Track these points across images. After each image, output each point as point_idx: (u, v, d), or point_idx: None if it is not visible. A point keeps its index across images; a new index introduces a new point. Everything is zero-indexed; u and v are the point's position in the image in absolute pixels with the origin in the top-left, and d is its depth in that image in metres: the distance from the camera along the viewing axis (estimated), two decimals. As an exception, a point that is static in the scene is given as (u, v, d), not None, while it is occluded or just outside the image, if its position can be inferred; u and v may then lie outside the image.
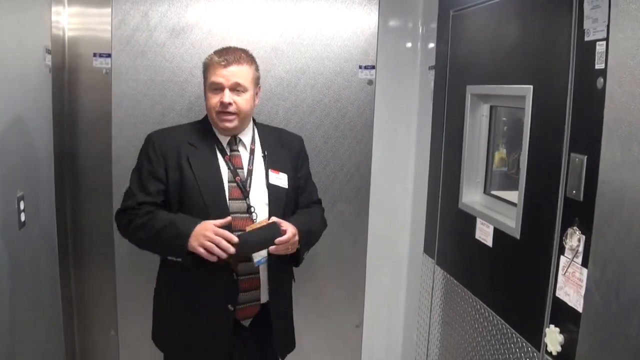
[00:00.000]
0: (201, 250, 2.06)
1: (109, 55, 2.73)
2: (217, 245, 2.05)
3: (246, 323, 2.27)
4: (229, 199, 2.18)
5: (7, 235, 2.03)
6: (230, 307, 2.18)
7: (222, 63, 2.14)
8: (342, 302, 3.08)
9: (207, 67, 2.20)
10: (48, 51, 2.41)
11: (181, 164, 2.18)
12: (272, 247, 2.11)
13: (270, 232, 2.11)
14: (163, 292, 2.35)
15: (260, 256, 2.18)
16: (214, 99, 2.16)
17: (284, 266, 2.33)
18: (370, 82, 2.89)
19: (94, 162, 2.94)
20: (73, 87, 2.87)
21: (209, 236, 2.05)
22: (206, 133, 2.27)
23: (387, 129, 3.25)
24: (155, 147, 2.21)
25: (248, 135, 2.30)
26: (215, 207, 2.15)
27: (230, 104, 2.14)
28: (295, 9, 2.82)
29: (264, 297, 2.27)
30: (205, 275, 2.17)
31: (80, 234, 3.03)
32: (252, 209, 2.20)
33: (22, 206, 2.13)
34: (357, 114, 2.91)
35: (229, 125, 2.18)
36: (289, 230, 2.13)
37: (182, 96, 2.74)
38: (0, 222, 1.97)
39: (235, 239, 2.06)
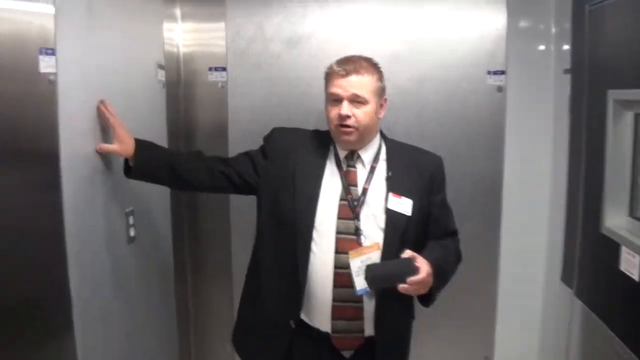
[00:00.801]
0: None
1: (224, 69, 2.69)
2: None
3: (347, 354, 2.05)
4: (338, 217, 2.00)
5: (116, 250, 2.04)
6: (292, 323, 2.02)
7: (341, 73, 1.98)
8: (469, 332, 2.82)
9: (328, 77, 2.05)
10: (161, 67, 2.41)
11: (287, 165, 2.06)
12: (401, 286, 1.87)
13: (403, 268, 1.87)
14: (243, 298, 2.25)
15: (364, 284, 1.94)
16: (333, 111, 2.00)
17: (399, 301, 2.05)
18: (499, 89, 2.64)
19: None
20: (189, 102, 2.85)
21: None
22: (325, 143, 2.12)
23: (520, 140, 2.98)
24: (271, 142, 2.15)
25: (370, 151, 2.10)
26: (302, 219, 2.00)
27: (348, 116, 1.97)
28: (416, 13, 2.63)
29: (369, 330, 2.04)
30: (274, 287, 2.05)
31: (197, 246, 3.01)
32: (361, 232, 2.00)
33: (131, 221, 2.13)
34: (485, 123, 2.66)
35: (347, 138, 2.01)
36: (423, 269, 1.87)
37: (299, 108, 2.63)
38: (107, 237, 1.98)
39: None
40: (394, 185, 2.04)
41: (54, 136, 1.66)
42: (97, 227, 1.92)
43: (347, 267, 1.92)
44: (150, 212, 2.37)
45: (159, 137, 2.46)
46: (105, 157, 1.98)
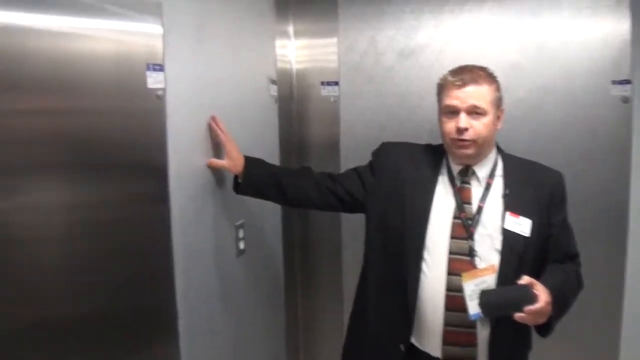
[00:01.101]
0: None
1: (336, 83, 2.67)
2: None
3: None
4: (451, 237, 1.88)
5: (224, 262, 2.07)
6: (402, 347, 1.91)
7: (457, 83, 1.87)
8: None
9: (442, 89, 1.95)
10: (273, 82, 2.42)
11: (396, 180, 1.98)
12: (518, 315, 1.73)
13: (520, 296, 1.73)
14: (352, 318, 2.17)
15: (478, 309, 1.81)
16: (449, 124, 1.89)
17: (515, 329, 1.88)
18: (625, 100, 2.42)
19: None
20: (301, 117, 2.87)
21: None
22: (438, 158, 2.01)
23: None
24: (380, 157, 2.08)
25: (486, 167, 1.96)
26: (412, 238, 1.90)
27: (466, 129, 1.85)
28: (534, 22, 2.49)
29: (482, 358, 1.90)
30: (384, 308, 1.96)
31: (308, 260, 3.00)
32: (475, 253, 1.87)
33: (241, 234, 2.15)
34: (610, 137, 2.46)
35: (465, 152, 1.89)
36: (542, 297, 1.72)
37: (411, 121, 2.57)
38: (216, 249, 2.01)
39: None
40: (512, 204, 1.90)
41: (162, 150, 1.70)
42: (205, 240, 1.95)
43: (460, 290, 1.81)
44: (261, 225, 2.38)
45: (272, 151, 2.49)
46: (216, 171, 2.01)
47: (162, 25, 1.67)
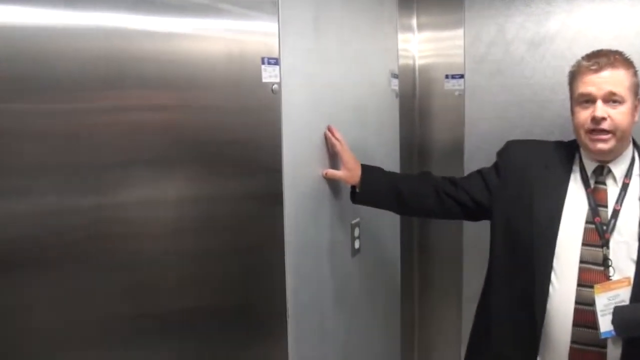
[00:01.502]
0: None
1: (461, 76, 2.54)
2: None
3: None
4: (583, 244, 1.69)
5: (338, 262, 2.02)
6: None
7: (593, 67, 1.69)
8: None
9: (574, 76, 1.78)
10: (394, 75, 2.34)
11: (523, 181, 1.81)
12: None
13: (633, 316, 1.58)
14: (473, 333, 2.02)
15: (611, 326, 1.63)
16: (583, 114, 1.71)
17: None
18: None
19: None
20: (424, 113, 2.75)
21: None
22: (569, 156, 1.83)
23: None
24: (505, 157, 1.92)
25: (623, 164, 1.75)
26: (541, 245, 1.72)
27: (604, 118, 1.66)
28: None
29: None
30: (507, 324, 1.79)
31: (427, 262, 2.90)
32: (610, 262, 1.67)
33: (356, 233, 2.09)
34: None
35: (602, 146, 1.69)
36: None
37: (542, 117, 2.39)
38: (330, 248, 1.97)
39: None
40: None
41: (277, 145, 1.67)
42: (318, 238, 1.90)
43: (591, 303, 1.64)
44: (378, 224, 2.31)
45: (392, 148, 2.43)
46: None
47: (278, 20, 1.63)
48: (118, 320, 1.27)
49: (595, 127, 1.68)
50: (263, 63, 1.61)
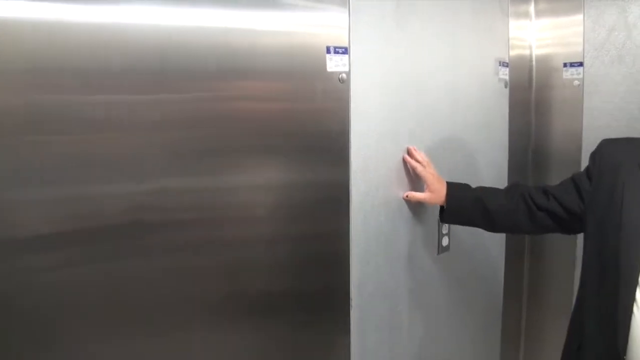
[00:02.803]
0: None
1: (580, 64, 2.32)
2: None
3: None
4: None
5: (418, 258, 1.96)
6: None
7: None
8: None
9: None
10: (503, 64, 2.20)
11: (615, 185, 1.57)
12: None
13: None
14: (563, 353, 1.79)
15: None
16: None
17: None
18: None
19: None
20: (541, 104, 2.55)
21: None
22: None
23: None
24: (597, 158, 1.67)
25: None
26: (626, 258, 1.48)
27: None
28: None
29: None
30: (594, 349, 1.56)
31: (539, 267, 2.69)
32: None
33: (445, 230, 2.02)
34: None
35: None
36: None
37: (668, 109, 2.11)
38: (407, 243, 1.91)
39: None
40: None
41: (344, 135, 1.66)
42: (393, 232, 1.85)
43: None
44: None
45: (500, 140, 2.30)
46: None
47: (348, 9, 1.62)
48: (192, 301, 1.39)
49: None
50: (328, 52, 1.61)
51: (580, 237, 2.29)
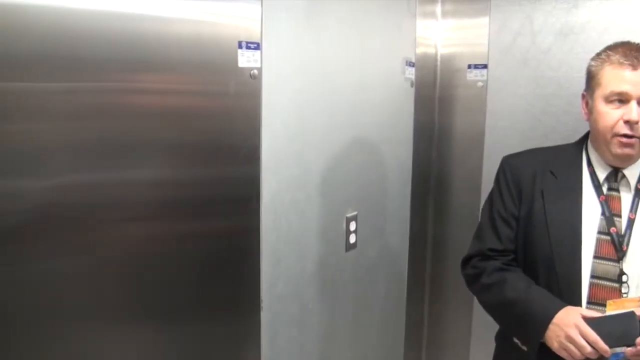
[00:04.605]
0: (557, 350, 1.49)
1: (484, 66, 2.39)
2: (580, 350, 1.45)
3: None
4: (594, 257, 1.55)
5: (326, 256, 1.95)
6: None
7: (628, 63, 1.53)
8: None
9: (600, 70, 1.60)
10: (410, 64, 2.23)
11: (534, 196, 1.65)
12: (629, 349, 1.43)
13: (628, 326, 1.43)
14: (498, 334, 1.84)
15: (618, 351, 1.48)
16: (612, 115, 1.54)
17: None
18: None
19: (462, 185, 2.63)
20: (445, 103, 2.61)
21: (572, 337, 1.44)
22: (576, 161, 1.67)
23: None
24: (508, 175, 1.71)
25: (636, 169, 1.60)
26: (565, 264, 1.56)
27: (638, 122, 1.51)
28: None
29: None
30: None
31: (441, 261, 2.77)
32: (625, 278, 1.53)
33: (352, 227, 2.01)
34: None
35: (630, 152, 1.54)
36: None
37: (569, 113, 2.21)
38: (315, 241, 1.90)
39: (604, 347, 1.41)
40: None
41: (255, 132, 1.62)
42: (302, 231, 1.84)
43: None
44: (383, 219, 2.23)
45: (405, 138, 2.33)
46: (321, 158, 1.89)
47: (261, 3, 1.58)
48: (87, 307, 1.29)
49: (628, 131, 1.52)
50: (240, 47, 1.57)
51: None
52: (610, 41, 2.03)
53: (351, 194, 2.02)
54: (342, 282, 2.04)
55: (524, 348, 1.59)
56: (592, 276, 1.54)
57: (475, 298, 2.42)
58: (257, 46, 1.59)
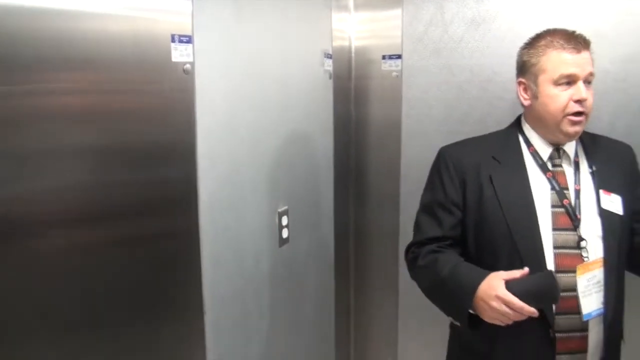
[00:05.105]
0: (490, 321, 1.55)
1: (399, 57, 2.44)
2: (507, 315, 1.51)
3: None
4: (553, 229, 1.64)
5: (263, 252, 1.93)
6: None
7: (571, 47, 1.63)
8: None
9: (542, 57, 1.68)
10: (328, 56, 2.24)
11: (481, 183, 1.71)
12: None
13: (550, 285, 1.48)
14: (457, 346, 1.89)
15: (592, 307, 1.61)
16: (562, 97, 1.64)
17: (620, 321, 1.74)
18: None
19: (381, 172, 2.67)
20: (361, 94, 2.64)
21: (497, 309, 1.50)
22: (514, 145, 1.77)
23: None
24: (449, 165, 1.77)
25: (572, 144, 1.74)
26: (526, 240, 1.64)
27: (587, 100, 1.63)
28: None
29: None
30: (510, 328, 1.62)
31: (364, 249, 2.80)
32: (584, 243, 1.64)
33: (284, 222, 2.00)
34: None
35: (579, 129, 1.66)
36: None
37: (481, 99, 2.30)
38: (252, 238, 1.87)
39: (532, 310, 1.47)
40: (601, 181, 1.71)
41: (190, 129, 1.56)
42: (239, 228, 1.80)
43: (571, 289, 1.61)
44: (310, 211, 2.24)
45: (326, 130, 2.34)
46: (255, 154, 1.85)
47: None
48: (21, 315, 1.20)
49: (579, 109, 1.63)
50: (173, 41, 1.50)
51: (404, 214, 2.45)
52: (519, 30, 2.16)
53: (282, 189, 2.01)
54: (278, 277, 2.02)
55: (457, 324, 1.66)
56: (555, 247, 1.64)
57: (400, 283, 2.50)
58: (189, 39, 1.54)
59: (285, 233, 2.02)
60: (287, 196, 2.03)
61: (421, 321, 2.46)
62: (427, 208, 1.80)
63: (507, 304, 1.48)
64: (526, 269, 1.52)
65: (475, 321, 1.60)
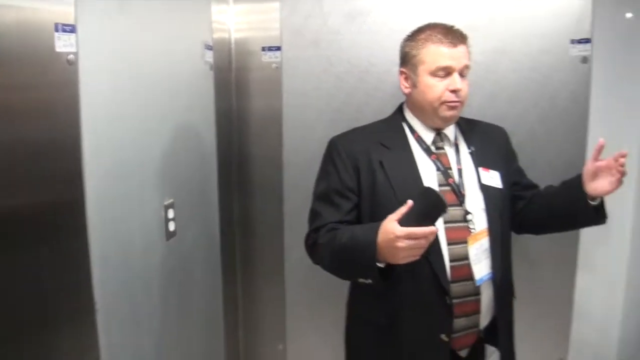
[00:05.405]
0: (405, 261, 1.61)
1: (278, 49, 2.47)
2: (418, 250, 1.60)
3: (464, 353, 1.86)
4: None
5: (152, 247, 1.91)
6: (444, 337, 1.77)
7: (448, 41, 1.77)
8: (543, 334, 2.49)
9: (422, 49, 1.81)
10: (208, 47, 2.23)
11: (373, 168, 1.83)
12: None
13: (434, 199, 1.55)
14: (357, 323, 1.99)
15: (482, 273, 1.79)
16: (438, 87, 1.78)
17: (509, 281, 1.96)
18: (584, 60, 2.26)
19: (264, 164, 2.73)
20: (241, 86, 2.66)
21: (403, 247, 1.56)
22: (400, 131, 1.90)
23: (607, 120, 2.56)
24: (342, 153, 1.87)
25: (451, 128, 1.91)
26: None
27: (461, 90, 1.79)
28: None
29: (485, 321, 1.85)
30: (409, 300, 1.79)
31: (249, 239, 2.84)
32: (470, 217, 1.81)
33: (170, 215, 1.97)
34: (568, 100, 2.29)
35: (455, 114, 1.82)
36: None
37: (359, 89, 2.39)
38: (140, 233, 1.84)
39: (433, 230, 1.55)
40: (480, 159, 1.90)
41: (74, 123, 1.50)
42: (127, 223, 1.76)
43: (464, 258, 1.79)
44: (195, 204, 2.22)
45: (207, 121, 2.34)
46: (140, 146, 1.82)
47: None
48: None
49: (455, 98, 1.78)
50: (57, 30, 1.43)
51: (288, 204, 2.48)
52: (395, 23, 2.29)
53: (167, 182, 1.98)
54: (166, 271, 1.99)
55: (369, 281, 1.70)
56: (445, 222, 1.78)
57: (285, 269, 2.53)
58: (73, 29, 1.47)
59: (172, 226, 1.99)
60: (173, 189, 2.01)
61: (309, 306, 2.52)
62: (323, 196, 1.89)
63: (408, 237, 1.55)
64: (409, 202, 1.58)
65: (385, 274, 1.68)
